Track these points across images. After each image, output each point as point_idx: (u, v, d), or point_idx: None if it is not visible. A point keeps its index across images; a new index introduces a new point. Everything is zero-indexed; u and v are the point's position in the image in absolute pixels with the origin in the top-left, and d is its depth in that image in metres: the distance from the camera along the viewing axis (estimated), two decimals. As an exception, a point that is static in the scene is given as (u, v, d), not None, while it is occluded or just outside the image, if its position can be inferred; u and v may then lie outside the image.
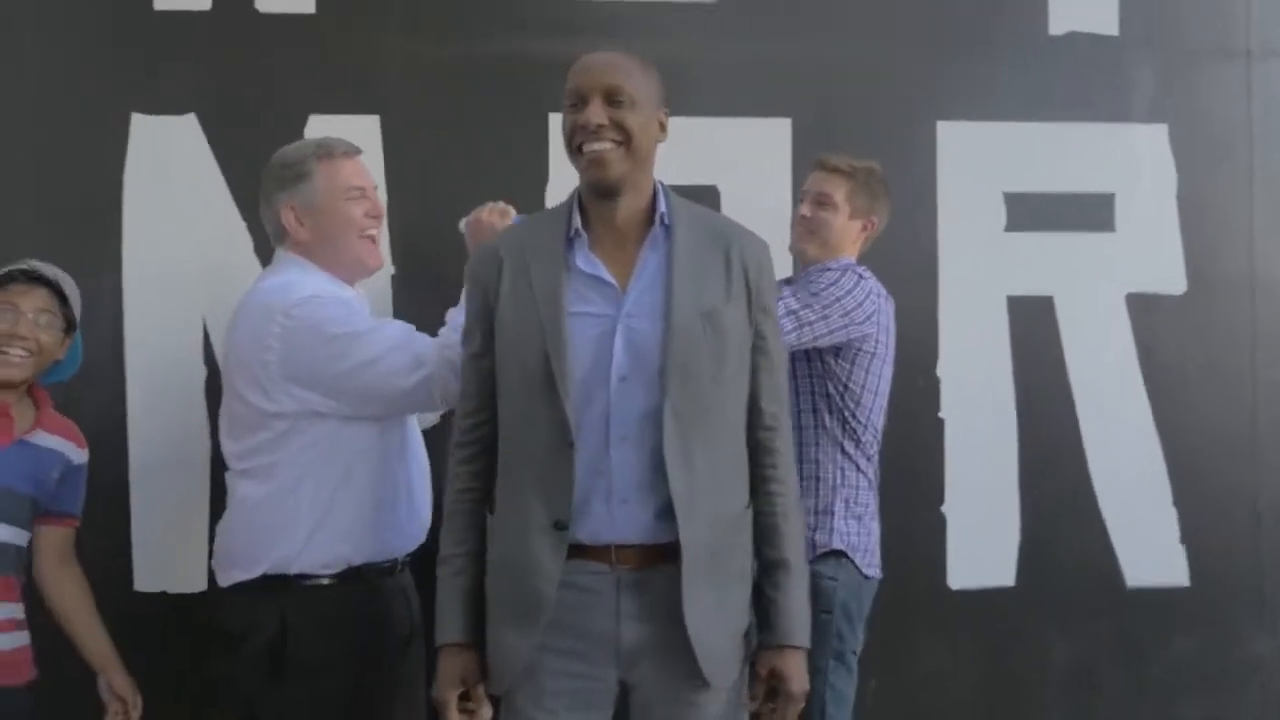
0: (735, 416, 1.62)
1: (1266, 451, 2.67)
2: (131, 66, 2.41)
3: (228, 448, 1.97)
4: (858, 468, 2.10)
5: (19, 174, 2.40)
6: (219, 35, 2.42)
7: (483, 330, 1.63)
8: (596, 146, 1.54)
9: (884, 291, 2.17)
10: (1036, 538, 2.58)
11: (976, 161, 2.57)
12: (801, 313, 2.03)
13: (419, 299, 2.42)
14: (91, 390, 2.31)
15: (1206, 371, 2.66)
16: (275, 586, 1.85)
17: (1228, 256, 2.68)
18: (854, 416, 2.08)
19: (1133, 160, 2.65)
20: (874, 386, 2.10)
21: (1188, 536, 2.63)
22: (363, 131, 2.41)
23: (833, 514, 2.05)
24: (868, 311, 2.07)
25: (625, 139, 1.56)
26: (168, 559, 2.38)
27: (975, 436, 2.57)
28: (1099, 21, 2.66)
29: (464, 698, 1.60)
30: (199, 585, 2.36)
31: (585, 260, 1.59)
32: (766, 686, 1.60)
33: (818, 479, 2.06)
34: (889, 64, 2.57)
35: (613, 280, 1.59)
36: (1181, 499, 2.63)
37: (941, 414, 2.55)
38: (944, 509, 2.55)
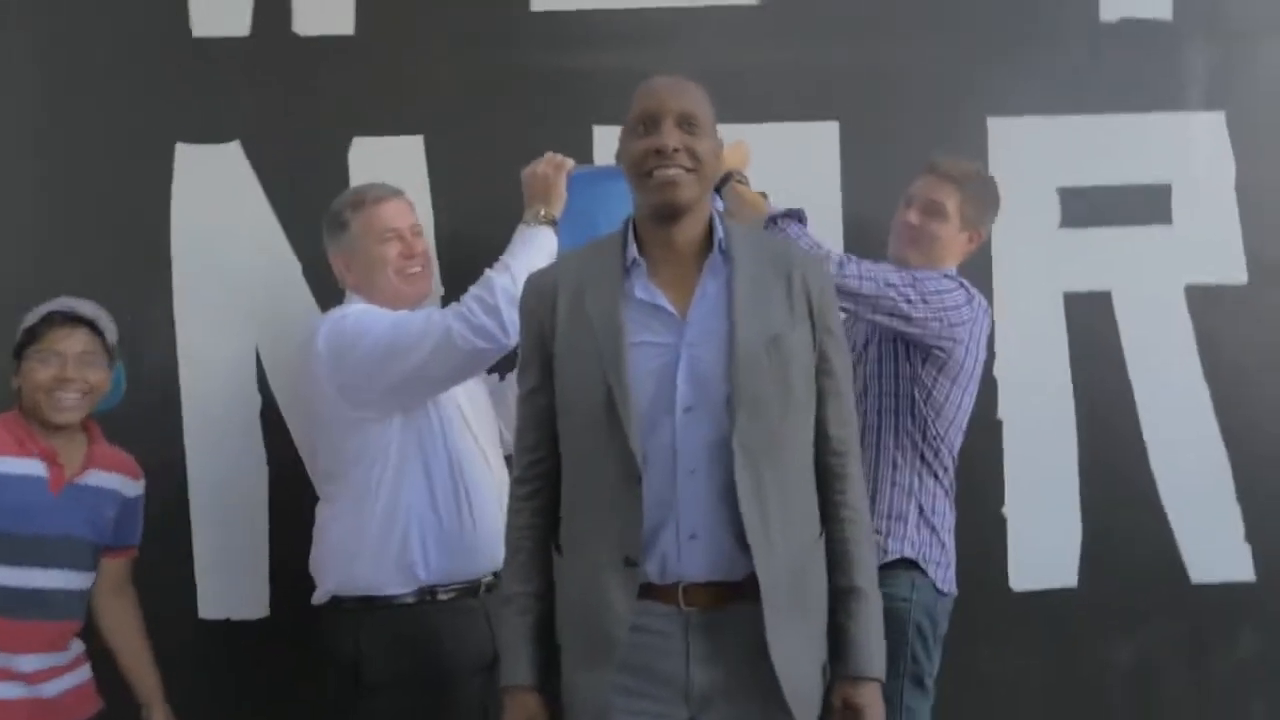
0: (804, 443, 1.56)
1: (1333, 440, 2.55)
2: (173, 95, 2.36)
3: (312, 475, 2.11)
4: (935, 476, 2.01)
5: (67, 208, 2.36)
6: (258, 59, 2.37)
7: (538, 364, 1.58)
8: (671, 171, 1.49)
9: (986, 308, 2.06)
10: (1099, 537, 2.49)
11: (1029, 157, 2.46)
12: (901, 288, 1.92)
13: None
14: (148, 422, 2.29)
15: (1270, 363, 2.55)
16: (351, 608, 1.90)
17: (1290, 243, 2.56)
18: (934, 425, 1.99)
19: (1189, 150, 2.53)
20: (957, 400, 2.00)
21: (1252, 532, 2.53)
22: (407, 152, 2.37)
23: (905, 520, 1.95)
24: (963, 325, 1.96)
25: (696, 164, 1.51)
26: (231, 586, 2.35)
27: (1034, 437, 2.48)
28: (1152, 5, 2.53)
29: None
30: (261, 611, 2.34)
31: (644, 288, 1.53)
32: (842, 718, 1.55)
33: (893, 483, 1.97)
34: (936, 61, 2.47)
35: (673, 309, 1.53)
36: (1245, 494, 2.53)
37: (999, 415, 2.46)
38: (1004, 510, 2.47)
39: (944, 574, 1.99)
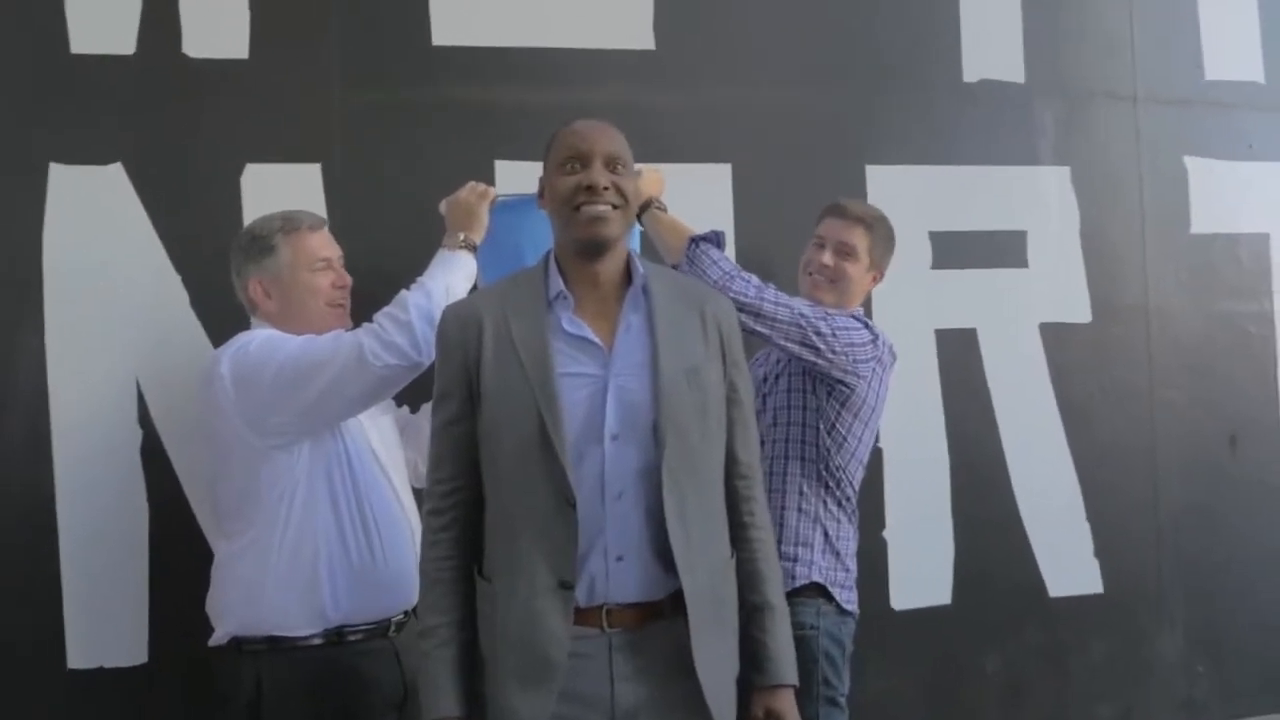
0: (717, 468, 1.59)
1: (1165, 466, 2.74)
2: (48, 113, 2.13)
3: (205, 514, 1.98)
4: (839, 504, 2.01)
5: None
6: (144, 80, 2.17)
7: (460, 396, 1.53)
8: (601, 207, 1.50)
9: (891, 349, 2.06)
10: (969, 557, 2.57)
11: (904, 203, 2.52)
12: (813, 320, 1.90)
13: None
14: (16, 457, 2.06)
15: (1111, 394, 2.72)
16: (252, 650, 1.76)
17: (1125, 286, 2.75)
18: (836, 457, 1.99)
19: (1042, 200, 2.68)
20: (859, 434, 2.01)
21: (1100, 548, 2.66)
22: (303, 180, 2.22)
23: (812, 547, 1.95)
24: (866, 362, 1.97)
25: (622, 202, 1.53)
26: (104, 633, 2.10)
27: (911, 465, 2.55)
28: (1007, 69, 2.67)
29: None
30: (140, 658, 2.10)
31: (570, 322, 1.53)
32: None
33: (799, 510, 1.96)
34: (821, 111, 2.54)
35: (599, 341, 1.53)
36: (1093, 514, 2.66)
37: (879, 444, 2.49)
38: (885, 535, 2.51)
39: (848, 595, 2.00)
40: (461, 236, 1.89)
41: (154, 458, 2.13)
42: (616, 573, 1.48)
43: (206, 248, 2.14)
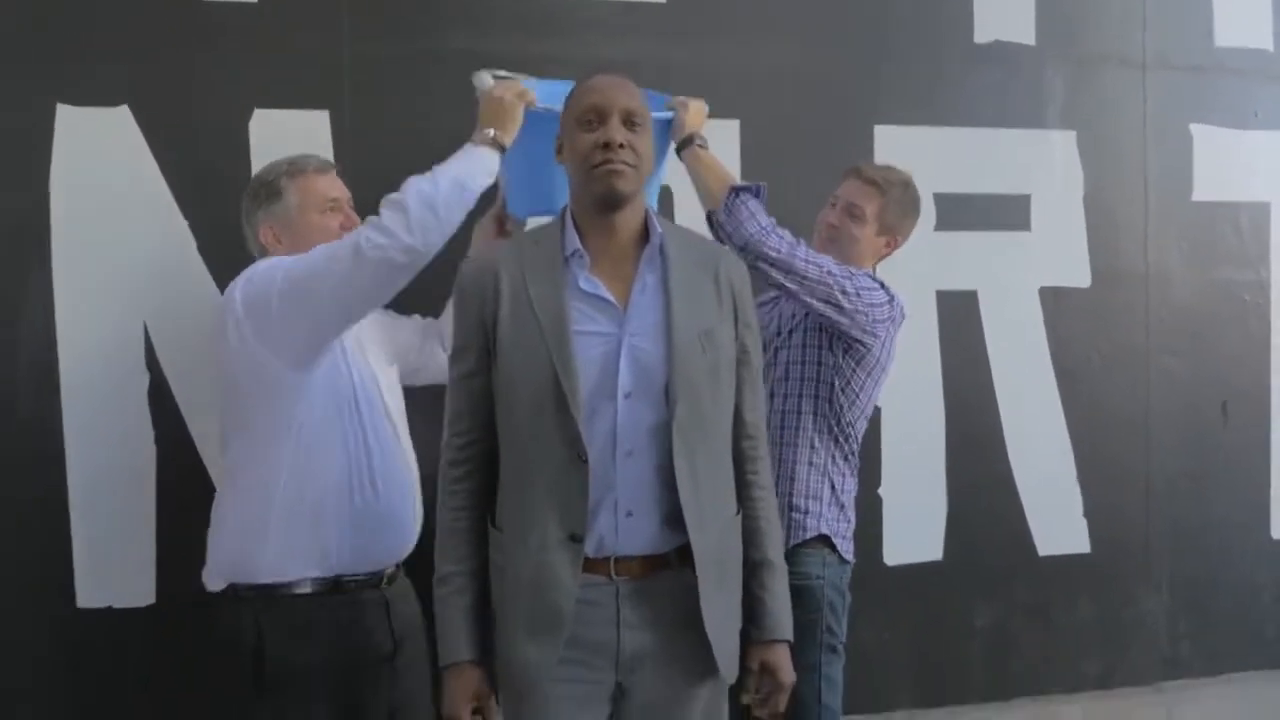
0: (726, 428, 1.58)
1: (1158, 431, 2.72)
2: (55, 53, 2.06)
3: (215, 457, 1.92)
4: (846, 457, 2.00)
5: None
6: (154, 22, 2.10)
7: (477, 349, 1.52)
8: (618, 164, 1.48)
9: (904, 310, 2.03)
10: (961, 515, 2.56)
11: (910, 163, 2.41)
12: (840, 278, 1.87)
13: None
14: (24, 401, 2.03)
15: (1108, 358, 2.69)
16: (250, 596, 1.71)
17: (1126, 252, 2.71)
18: (847, 412, 1.98)
19: (1047, 164, 2.63)
20: (870, 391, 1.99)
21: (1089, 509, 2.65)
22: (311, 126, 2.17)
23: (821, 499, 1.94)
24: (883, 323, 1.94)
25: (638, 160, 1.51)
26: (113, 573, 2.09)
27: (908, 423, 2.52)
28: (1018, 30, 2.60)
29: (475, 712, 1.50)
30: (147, 599, 2.10)
31: (587, 280, 1.52)
32: (758, 680, 1.58)
33: (810, 463, 1.94)
34: (831, 70, 2.48)
35: (614, 299, 1.52)
36: (1084, 475, 2.65)
37: (879, 402, 2.46)
38: (880, 491, 2.49)
39: (847, 545, 2.00)
40: (491, 133, 1.74)
41: (161, 401, 2.10)
42: (626, 528, 1.48)
43: (213, 192, 2.08)
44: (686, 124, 1.94)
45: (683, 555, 1.49)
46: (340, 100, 2.19)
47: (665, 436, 1.47)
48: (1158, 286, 2.71)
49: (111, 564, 2.08)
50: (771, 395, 1.97)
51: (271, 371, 1.67)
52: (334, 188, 1.85)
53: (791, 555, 1.85)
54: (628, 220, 1.52)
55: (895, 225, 2.06)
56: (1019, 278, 2.61)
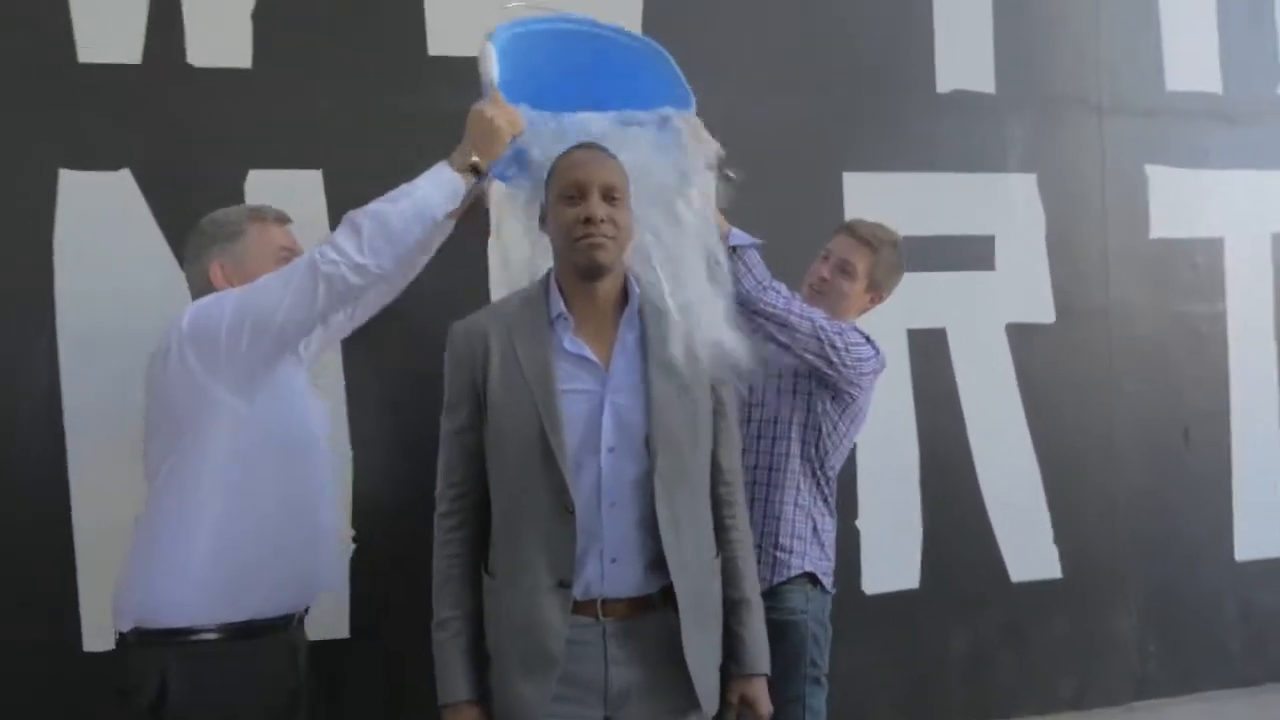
0: (704, 476, 1.67)
1: (1123, 457, 2.81)
2: (57, 120, 2.14)
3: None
4: (825, 499, 2.09)
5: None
6: (150, 89, 2.19)
7: (469, 406, 1.61)
8: (598, 238, 1.57)
9: (884, 363, 2.11)
10: (936, 544, 2.64)
11: (879, 208, 2.53)
12: (830, 333, 1.95)
13: (367, 353, 2.27)
14: (30, 460, 2.09)
15: (1073, 389, 2.78)
16: (156, 641, 1.61)
17: (1088, 288, 2.81)
18: (829, 456, 2.07)
19: (1009, 206, 2.73)
20: (850, 437, 2.10)
21: (1059, 535, 2.74)
22: (305, 186, 2.25)
23: (805, 540, 2.02)
24: (868, 375, 2.04)
25: (617, 232, 1.60)
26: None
27: (883, 456, 2.61)
28: (978, 79, 2.71)
29: None
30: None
31: (571, 342, 1.62)
32: (737, 711, 1.66)
33: (796, 504, 2.03)
34: (800, 120, 2.58)
35: (597, 359, 1.61)
36: (1053, 502, 2.74)
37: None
38: (858, 523, 2.57)
39: (829, 579, 2.09)
40: (471, 159, 1.71)
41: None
42: (611, 573, 1.56)
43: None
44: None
45: (666, 595, 1.57)
46: (332, 159, 2.27)
47: (647, 487, 1.55)
48: (1119, 320, 2.82)
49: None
50: (759, 436, 2.06)
51: (212, 399, 1.61)
52: (289, 240, 1.84)
53: (776, 592, 1.95)
54: (608, 286, 1.62)
55: (883, 283, 2.15)
56: (985, 315, 2.71)
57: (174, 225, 2.16)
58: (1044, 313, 2.76)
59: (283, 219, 1.89)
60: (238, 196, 2.20)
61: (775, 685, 1.89)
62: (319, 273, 1.61)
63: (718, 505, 1.67)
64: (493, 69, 1.79)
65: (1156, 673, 2.82)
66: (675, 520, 1.56)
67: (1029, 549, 2.72)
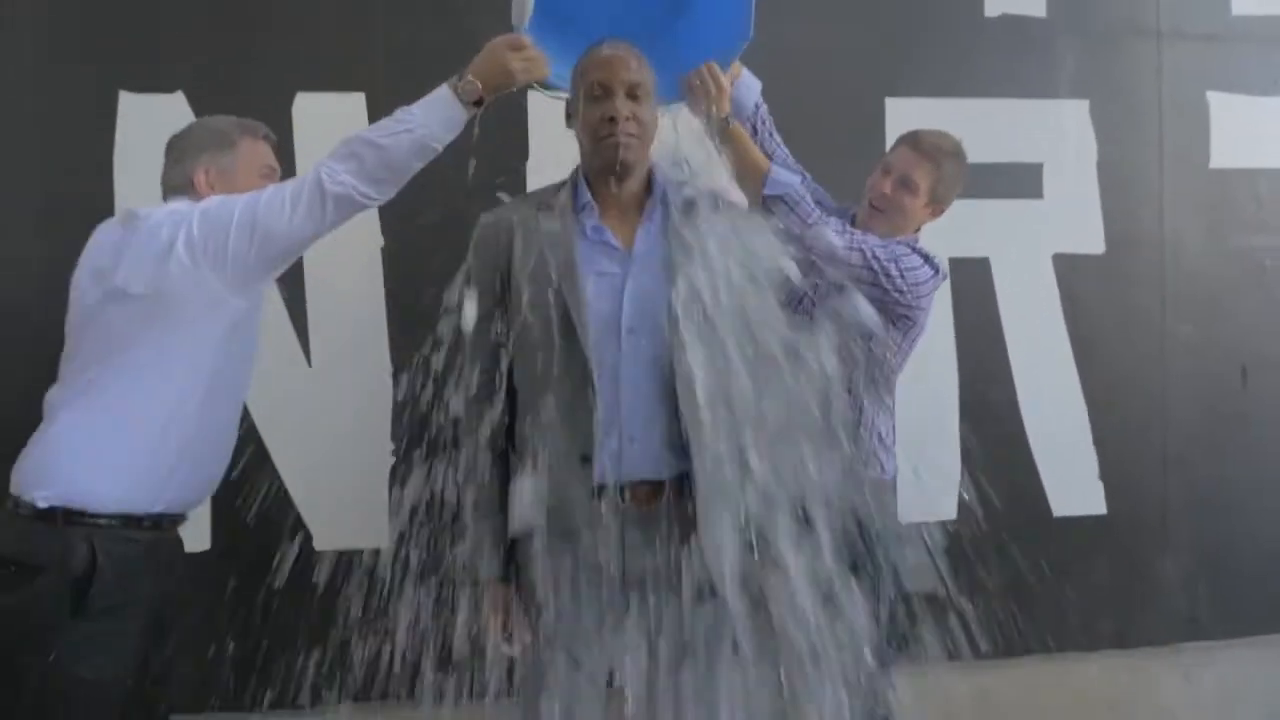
0: None
1: (1173, 395, 2.72)
2: (116, 44, 2.23)
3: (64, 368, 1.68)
4: (886, 408, 2.08)
5: (8, 155, 2.22)
6: (205, 13, 2.26)
7: (494, 294, 1.63)
8: (622, 137, 1.58)
9: (945, 274, 2.06)
10: (975, 476, 2.58)
11: None
12: (884, 262, 1.92)
13: (406, 270, 2.33)
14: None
15: (1122, 324, 2.69)
16: (85, 522, 1.57)
17: (1141, 219, 2.71)
18: (890, 373, 2.06)
19: (1059, 133, 2.65)
20: (908, 351, 2.08)
21: (1105, 471, 2.66)
22: (348, 108, 2.29)
23: (870, 449, 2.03)
24: (926, 297, 2.02)
25: (641, 130, 1.62)
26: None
27: (920, 384, 2.52)
28: (1029, 4, 2.62)
29: (504, 624, 1.62)
30: (203, 544, 2.25)
31: (595, 228, 1.63)
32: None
33: (858, 423, 2.02)
34: (842, 45, 2.54)
35: (619, 244, 1.63)
36: (1099, 439, 2.66)
37: (892, 366, 2.52)
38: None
39: (891, 469, 2.11)
40: (477, 88, 1.66)
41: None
42: (630, 452, 1.58)
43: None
44: (724, 100, 1.88)
45: (683, 484, 1.59)
46: (376, 83, 2.31)
47: (666, 367, 1.56)
48: (1173, 253, 2.71)
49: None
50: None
51: (210, 293, 1.60)
52: (273, 159, 1.83)
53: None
54: (633, 181, 1.64)
55: (945, 196, 2.08)
56: (1032, 245, 2.63)
57: (225, 145, 2.24)
58: (1093, 243, 2.66)
59: (270, 138, 1.85)
60: (285, 118, 2.26)
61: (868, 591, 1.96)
62: (327, 192, 1.61)
63: None
64: (527, 12, 1.72)
65: (1205, 615, 2.73)
66: (694, 401, 1.56)
67: (1073, 484, 2.65)
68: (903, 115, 2.53)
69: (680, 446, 1.57)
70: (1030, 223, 2.62)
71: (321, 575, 2.33)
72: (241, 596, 2.30)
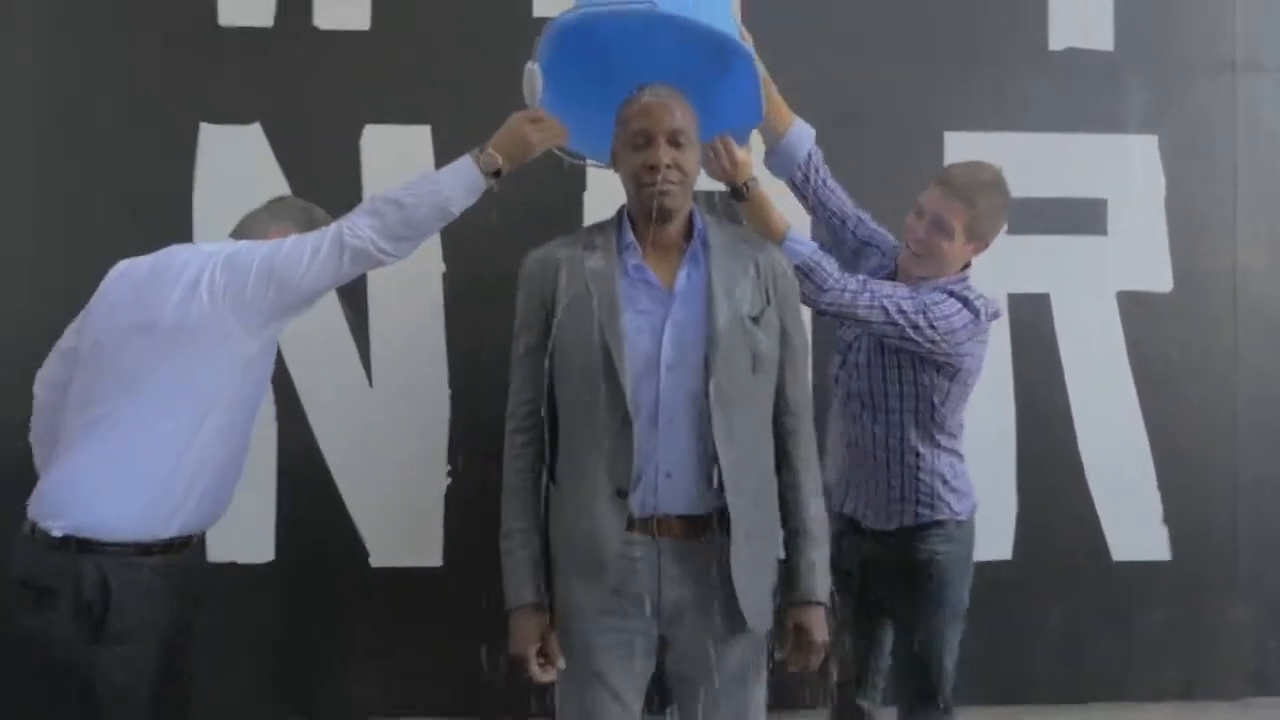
0: (765, 404, 1.68)
1: (1246, 434, 2.61)
2: (199, 78, 2.34)
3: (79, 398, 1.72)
4: (949, 450, 2.01)
5: (96, 181, 2.35)
6: (280, 48, 2.36)
7: (539, 328, 1.67)
8: (663, 185, 1.61)
9: (994, 314, 1.99)
10: (1031, 516, 2.53)
11: None
12: (911, 315, 1.87)
13: (467, 296, 2.38)
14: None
15: (1190, 362, 2.61)
16: (98, 550, 1.62)
17: (1212, 254, 2.62)
18: (949, 419, 2.00)
19: (1125, 168, 2.58)
20: (962, 395, 2.01)
21: (1170, 516, 2.57)
22: (414, 140, 2.37)
23: (933, 492, 1.98)
24: (968, 343, 1.94)
25: (683, 177, 1.63)
26: (237, 533, 2.32)
27: (977, 422, 2.47)
28: (1095, 38, 2.58)
29: (540, 652, 1.62)
30: (267, 556, 2.33)
31: (637, 268, 1.66)
32: (792, 638, 1.67)
33: (917, 469, 1.98)
34: (901, 78, 2.51)
35: (660, 283, 1.65)
36: (1165, 481, 2.57)
37: (946, 402, 2.48)
38: (947, 488, 2.48)
39: (968, 505, 2.03)
40: (498, 162, 1.73)
41: (282, 384, 2.34)
42: (666, 488, 1.59)
43: (328, 201, 2.29)
44: (741, 170, 1.89)
45: (721, 518, 1.59)
46: (440, 116, 2.38)
47: (703, 405, 1.58)
48: (1246, 288, 2.61)
49: (237, 525, 2.32)
50: (871, 409, 2.00)
51: (227, 331, 1.66)
52: None
53: (911, 532, 1.97)
54: (675, 225, 1.66)
55: (985, 231, 2.00)
56: (1094, 281, 2.57)
57: (297, 175, 2.34)
58: (1161, 281, 2.59)
59: None
60: (354, 149, 2.35)
61: (912, 621, 1.99)
62: (345, 245, 1.67)
63: (781, 436, 1.68)
64: (537, 91, 1.78)
65: (1275, 669, 2.61)
66: (730, 438, 1.58)
67: (1135, 528, 2.56)
68: (962, 149, 2.49)
69: (720, 484, 1.58)
70: (1094, 259, 2.56)
71: (376, 592, 2.39)
72: (300, 609, 2.38)
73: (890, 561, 2.00)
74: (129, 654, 1.62)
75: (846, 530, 2.06)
